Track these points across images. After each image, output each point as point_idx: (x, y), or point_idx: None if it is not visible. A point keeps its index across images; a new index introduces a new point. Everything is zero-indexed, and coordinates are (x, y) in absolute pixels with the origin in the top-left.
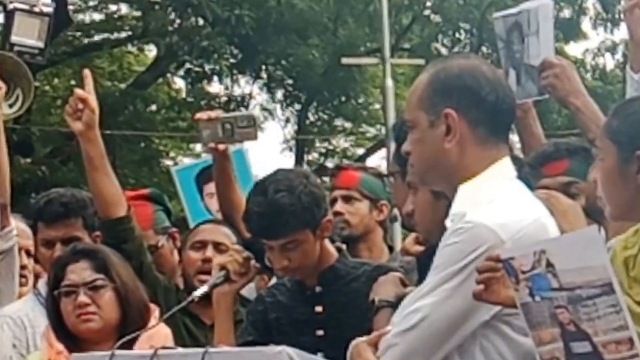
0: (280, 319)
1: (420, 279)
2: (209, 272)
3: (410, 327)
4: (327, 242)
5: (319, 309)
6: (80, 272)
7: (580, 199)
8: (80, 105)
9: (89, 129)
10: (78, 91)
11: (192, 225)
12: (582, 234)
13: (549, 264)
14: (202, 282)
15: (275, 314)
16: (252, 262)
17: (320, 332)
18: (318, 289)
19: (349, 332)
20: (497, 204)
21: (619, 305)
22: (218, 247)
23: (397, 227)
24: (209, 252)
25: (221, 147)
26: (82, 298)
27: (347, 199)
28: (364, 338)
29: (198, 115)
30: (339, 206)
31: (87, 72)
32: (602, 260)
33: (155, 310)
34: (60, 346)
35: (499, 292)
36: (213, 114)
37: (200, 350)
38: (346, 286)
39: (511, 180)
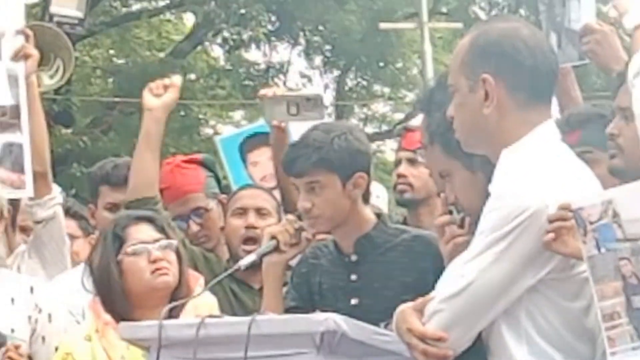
0: (322, 284)
1: None
2: (253, 240)
3: (456, 292)
4: (364, 206)
5: (354, 277)
6: (146, 231)
7: (596, 166)
8: (167, 85)
9: (162, 109)
10: (175, 79)
11: None
12: None
13: (615, 214)
14: (247, 252)
15: (318, 278)
16: (304, 233)
17: (354, 301)
18: (354, 257)
19: (384, 303)
20: (541, 168)
21: None
22: (260, 212)
23: None
24: (251, 218)
25: (283, 124)
26: (157, 253)
27: (412, 162)
28: (409, 304)
29: (262, 92)
30: (403, 168)
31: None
32: None
33: (199, 279)
34: (107, 317)
35: (568, 242)
36: (279, 91)
37: (247, 318)
38: (382, 255)
39: (554, 143)
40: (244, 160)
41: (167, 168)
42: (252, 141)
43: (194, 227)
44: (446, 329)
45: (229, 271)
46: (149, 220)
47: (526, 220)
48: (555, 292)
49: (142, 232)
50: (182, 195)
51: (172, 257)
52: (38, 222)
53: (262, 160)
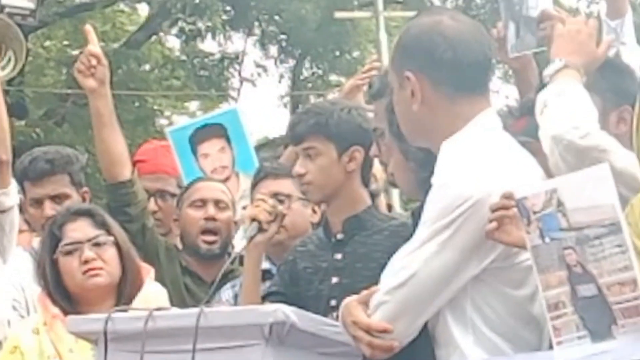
0: (308, 268)
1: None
2: (212, 231)
3: (400, 283)
4: (360, 186)
5: (338, 256)
6: (82, 229)
7: (537, 155)
8: (94, 62)
9: (101, 85)
10: (90, 48)
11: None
12: (592, 172)
13: (560, 203)
14: (207, 242)
15: (304, 263)
16: (280, 207)
17: (335, 280)
18: (340, 236)
19: (362, 283)
20: (481, 157)
21: (625, 245)
22: (218, 204)
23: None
24: (211, 210)
25: None
26: (89, 253)
27: None
28: (354, 297)
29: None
30: None
31: (88, 27)
32: (611, 198)
33: (150, 271)
34: (55, 310)
35: (511, 231)
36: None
37: (195, 310)
38: (368, 237)
39: (495, 132)
40: (194, 152)
41: (149, 145)
42: (203, 133)
43: (152, 206)
44: (391, 320)
45: (227, 262)
46: (88, 214)
47: (468, 210)
48: (499, 280)
49: (77, 230)
50: (155, 171)
51: (110, 253)
52: (2, 212)
53: (213, 153)
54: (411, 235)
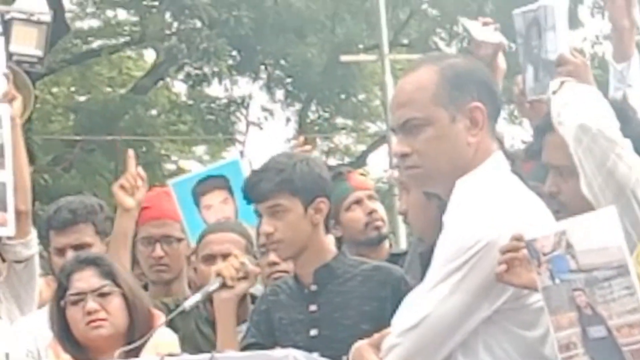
0: (282, 319)
1: (422, 276)
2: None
3: (413, 325)
4: (326, 236)
5: (313, 307)
6: (87, 279)
7: (543, 199)
8: (139, 183)
9: (136, 208)
10: (139, 170)
11: (190, 238)
12: (599, 215)
13: (569, 245)
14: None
15: (278, 314)
16: (250, 267)
17: (313, 332)
18: (313, 287)
19: (343, 332)
20: (493, 199)
21: (633, 287)
22: (227, 258)
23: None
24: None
25: None
26: (92, 304)
27: (372, 198)
28: (365, 340)
29: None
30: (372, 204)
31: (131, 152)
32: (618, 240)
33: (160, 317)
34: (66, 357)
35: (521, 273)
36: None
37: (207, 355)
38: (342, 285)
39: (505, 173)
40: (197, 204)
41: (153, 192)
42: (205, 184)
43: (159, 252)
44: None
45: (174, 313)
46: (94, 263)
47: (480, 252)
48: (511, 322)
49: (82, 280)
50: (160, 217)
51: (115, 304)
52: (19, 262)
53: (216, 204)
54: (401, 285)
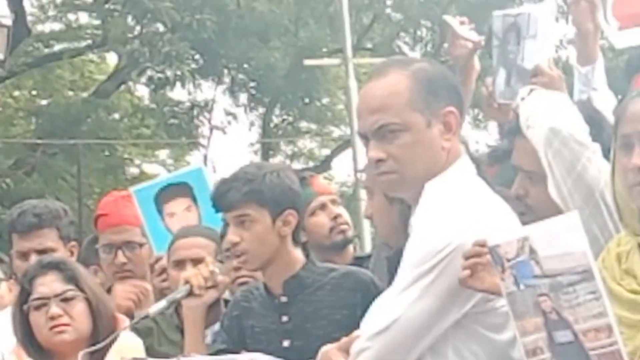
0: (254, 327)
1: (391, 280)
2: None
3: (382, 329)
4: (293, 247)
5: (285, 318)
6: (50, 284)
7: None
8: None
9: None
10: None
11: (153, 246)
12: (562, 220)
13: (532, 251)
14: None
15: (250, 321)
16: (220, 277)
17: (286, 343)
18: (283, 298)
19: (316, 343)
20: (462, 203)
21: (599, 291)
22: (196, 263)
23: None
24: (189, 271)
25: None
26: (55, 309)
27: (335, 202)
28: (333, 344)
29: None
30: (336, 209)
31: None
32: (582, 246)
33: (125, 321)
34: None
35: (485, 278)
36: None
37: None
38: (312, 295)
39: (473, 177)
40: (159, 211)
41: (109, 198)
42: (168, 192)
43: (121, 259)
44: None
45: (136, 320)
46: (58, 268)
47: (449, 255)
48: (480, 325)
49: (45, 285)
50: (119, 224)
51: (78, 308)
52: None
53: (179, 212)
54: (370, 290)
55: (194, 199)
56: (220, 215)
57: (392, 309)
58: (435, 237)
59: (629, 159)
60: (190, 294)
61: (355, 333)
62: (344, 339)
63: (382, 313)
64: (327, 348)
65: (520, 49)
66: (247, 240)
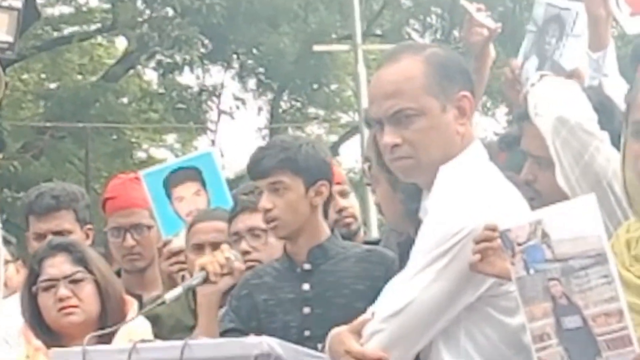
0: (268, 300)
1: (401, 266)
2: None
3: (397, 311)
4: (321, 216)
5: (306, 287)
6: (59, 265)
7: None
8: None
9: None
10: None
11: (162, 230)
12: (578, 203)
13: (545, 234)
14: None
15: (263, 296)
16: (236, 263)
17: (307, 310)
18: (307, 266)
19: (336, 312)
20: (477, 187)
21: (611, 275)
22: (215, 247)
23: None
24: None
25: None
26: (63, 291)
27: (344, 193)
28: (344, 327)
29: None
30: (343, 201)
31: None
32: (597, 229)
33: (133, 304)
34: (38, 342)
35: (495, 263)
36: None
37: (180, 342)
38: (335, 265)
39: (486, 162)
40: (168, 195)
41: (117, 181)
42: (177, 176)
43: (130, 242)
44: (387, 348)
45: (151, 306)
46: (67, 249)
47: (464, 239)
48: (493, 308)
49: (54, 266)
50: (127, 206)
51: (87, 290)
52: None
53: (188, 196)
54: (394, 267)
55: (203, 183)
56: (229, 200)
57: (406, 292)
58: (450, 220)
59: None
60: (206, 280)
61: (366, 316)
62: (355, 322)
63: (396, 296)
64: (338, 330)
65: (561, 45)
66: (280, 207)
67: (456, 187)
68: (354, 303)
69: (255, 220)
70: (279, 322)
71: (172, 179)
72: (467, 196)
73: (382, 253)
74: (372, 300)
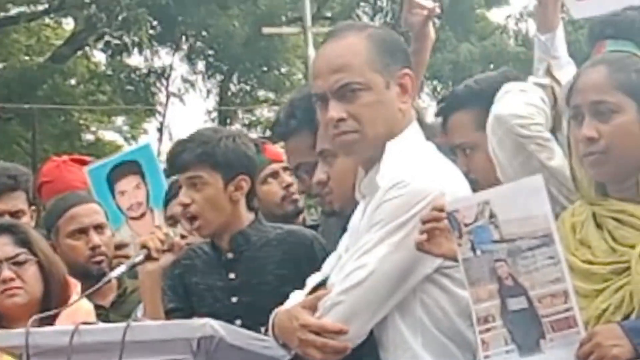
0: (198, 284)
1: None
2: (102, 259)
3: (357, 282)
4: (243, 207)
5: (232, 275)
6: (2, 247)
7: None
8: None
9: None
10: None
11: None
12: (526, 184)
13: (492, 215)
14: (97, 262)
15: (194, 278)
16: (176, 239)
17: (234, 299)
18: (230, 255)
19: (263, 298)
20: (430, 159)
21: (557, 256)
22: (98, 229)
23: None
24: (95, 238)
25: None
26: (7, 273)
27: (288, 170)
28: (294, 303)
29: None
30: (288, 177)
31: None
32: (544, 210)
33: (76, 286)
34: None
35: (442, 243)
36: None
37: (122, 324)
38: (258, 251)
39: (425, 141)
40: (111, 190)
41: (52, 164)
42: (119, 170)
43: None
44: (346, 321)
45: (101, 283)
46: (10, 231)
47: (425, 208)
48: (449, 280)
49: None
50: (66, 189)
51: (30, 272)
52: None
53: (129, 189)
54: (314, 246)
55: (143, 176)
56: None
57: (366, 263)
58: (411, 189)
59: (580, 130)
60: (147, 258)
61: (321, 292)
62: (308, 297)
63: (355, 267)
64: (287, 307)
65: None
66: (198, 202)
67: (408, 160)
68: (280, 288)
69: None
70: (209, 307)
71: (115, 174)
72: (422, 168)
73: (301, 233)
74: (297, 283)
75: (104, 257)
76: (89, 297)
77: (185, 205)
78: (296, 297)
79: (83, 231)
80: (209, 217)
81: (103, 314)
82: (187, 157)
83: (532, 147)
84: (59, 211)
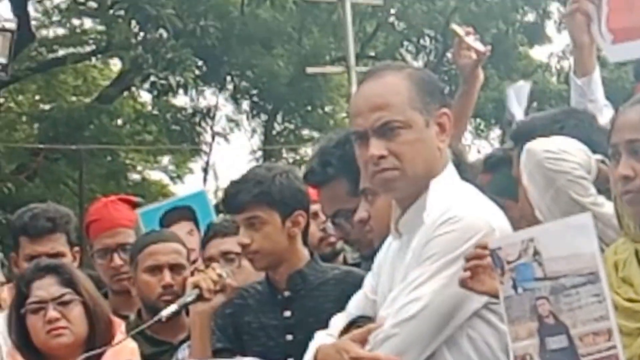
0: (252, 323)
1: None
2: (172, 299)
3: (411, 315)
4: (300, 244)
5: (287, 313)
6: (47, 287)
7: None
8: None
9: None
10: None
11: None
12: (574, 222)
13: (536, 252)
14: (168, 302)
15: (247, 318)
16: (228, 280)
17: (289, 337)
18: (287, 293)
19: None
20: (474, 198)
21: (603, 294)
22: (174, 269)
23: None
24: (167, 277)
25: None
26: (52, 313)
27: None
28: (339, 340)
29: None
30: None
31: None
32: (592, 247)
33: (121, 325)
34: None
35: (485, 281)
36: None
37: None
38: (315, 290)
39: (462, 180)
40: None
41: (99, 203)
42: (172, 215)
43: (118, 261)
44: (400, 353)
45: (151, 322)
46: (55, 271)
47: (476, 244)
48: (495, 315)
49: (42, 288)
50: (113, 227)
51: (75, 312)
52: None
53: (182, 235)
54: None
55: (197, 222)
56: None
57: (420, 297)
58: (461, 227)
59: (617, 168)
60: (199, 297)
61: (371, 325)
62: (357, 331)
63: (409, 301)
64: (332, 342)
65: None
66: (258, 241)
67: (456, 197)
68: None
69: (229, 244)
70: (261, 346)
71: (167, 219)
72: (471, 205)
73: (358, 274)
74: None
75: (175, 297)
76: (158, 334)
77: (246, 246)
78: (321, 338)
79: (159, 268)
80: (267, 253)
81: (169, 351)
82: (243, 198)
83: (562, 182)
84: (140, 246)
